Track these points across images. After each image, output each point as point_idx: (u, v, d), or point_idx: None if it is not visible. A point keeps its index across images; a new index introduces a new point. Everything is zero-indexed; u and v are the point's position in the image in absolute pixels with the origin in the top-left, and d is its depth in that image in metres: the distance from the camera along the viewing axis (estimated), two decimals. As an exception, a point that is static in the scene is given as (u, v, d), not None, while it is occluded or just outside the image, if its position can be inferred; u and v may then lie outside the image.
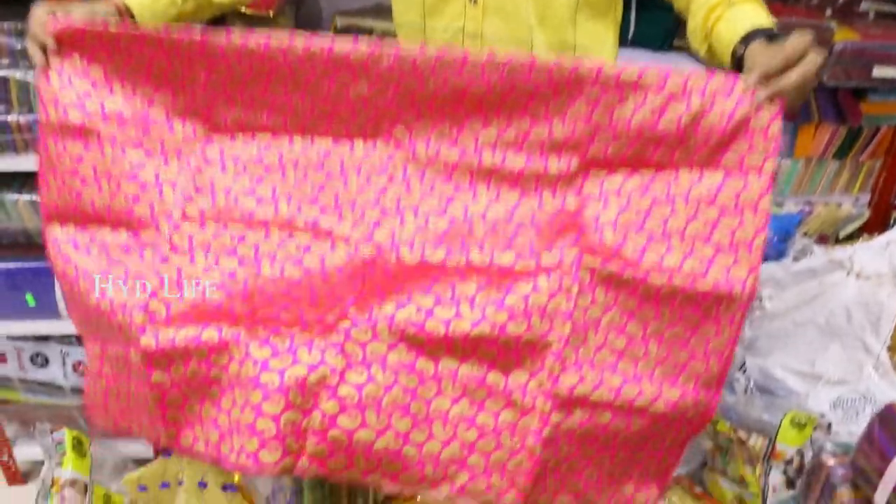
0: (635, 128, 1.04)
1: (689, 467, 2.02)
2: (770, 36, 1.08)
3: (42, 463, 1.69)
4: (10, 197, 1.60)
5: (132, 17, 1.18)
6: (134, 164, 1.08)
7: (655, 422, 1.08)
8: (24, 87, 1.50)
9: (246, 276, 1.05)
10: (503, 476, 1.04)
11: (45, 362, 1.87)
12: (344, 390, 0.98)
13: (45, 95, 1.09)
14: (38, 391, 1.93)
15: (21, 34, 1.47)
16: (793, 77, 0.99)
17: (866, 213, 2.45)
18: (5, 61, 1.49)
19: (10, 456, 2.02)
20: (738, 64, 1.11)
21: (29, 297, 1.73)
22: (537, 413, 1.02)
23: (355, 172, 1.10)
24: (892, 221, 2.41)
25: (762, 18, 1.13)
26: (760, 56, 1.03)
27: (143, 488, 1.34)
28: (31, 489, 1.96)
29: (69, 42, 1.07)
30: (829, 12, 2.23)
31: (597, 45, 1.29)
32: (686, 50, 2.24)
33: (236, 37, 1.05)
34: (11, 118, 1.51)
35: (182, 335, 1.01)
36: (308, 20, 2.32)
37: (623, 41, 2.17)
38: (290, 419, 0.98)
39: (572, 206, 1.07)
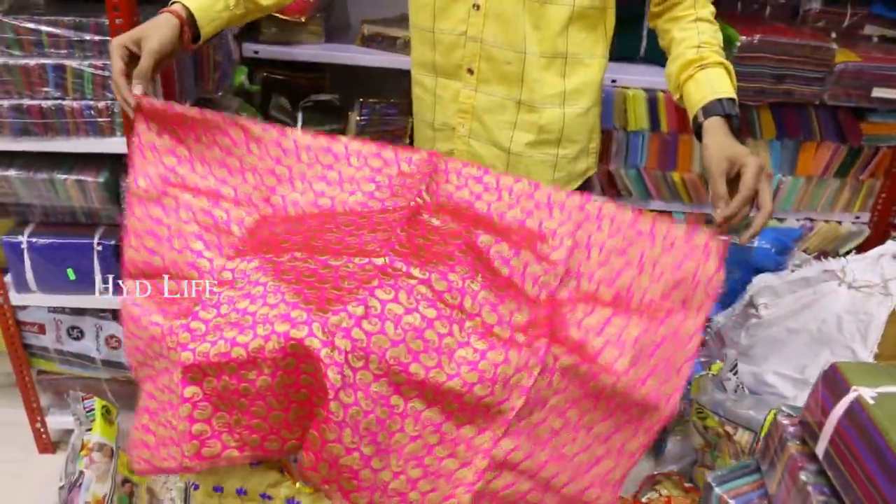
0: (607, 250, 1.25)
1: (681, 465, 2.15)
2: (727, 114, 1.29)
3: (71, 432, 1.85)
4: (60, 176, 1.77)
5: (193, 23, 1.33)
6: (201, 229, 1.29)
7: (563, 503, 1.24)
8: (79, 74, 1.66)
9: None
10: None
11: (81, 335, 2.03)
12: (333, 406, 1.10)
13: (137, 167, 1.28)
14: (73, 363, 2.08)
15: (79, 28, 1.65)
16: (757, 227, 1.24)
17: (866, 232, 2.57)
18: (63, 51, 1.66)
19: (44, 424, 2.18)
20: (698, 129, 1.32)
21: (70, 272, 1.90)
22: (474, 467, 1.17)
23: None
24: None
25: (725, 87, 1.32)
26: (715, 163, 1.26)
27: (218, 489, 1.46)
28: (59, 458, 2.12)
29: (156, 119, 1.27)
30: (833, 35, 2.37)
31: (587, 54, 1.44)
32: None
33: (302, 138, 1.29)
34: (66, 103, 1.68)
35: (214, 350, 1.14)
36: (337, 27, 2.50)
37: (634, 57, 2.34)
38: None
39: (545, 303, 1.25)
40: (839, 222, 2.56)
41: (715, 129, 1.29)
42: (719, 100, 1.30)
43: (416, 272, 1.18)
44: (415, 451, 1.16)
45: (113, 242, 1.86)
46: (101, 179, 1.78)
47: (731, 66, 1.36)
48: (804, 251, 2.49)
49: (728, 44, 2.16)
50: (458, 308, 1.19)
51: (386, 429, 1.14)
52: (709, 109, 1.30)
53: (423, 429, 1.16)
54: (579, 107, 1.46)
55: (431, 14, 1.45)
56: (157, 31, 1.27)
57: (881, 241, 2.50)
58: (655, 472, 2.09)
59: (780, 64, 2.17)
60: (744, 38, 2.13)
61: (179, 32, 1.31)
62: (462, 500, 1.17)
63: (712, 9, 1.41)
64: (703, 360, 2.22)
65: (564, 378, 1.19)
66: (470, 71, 1.45)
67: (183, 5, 1.33)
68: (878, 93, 2.25)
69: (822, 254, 2.54)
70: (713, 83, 1.32)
